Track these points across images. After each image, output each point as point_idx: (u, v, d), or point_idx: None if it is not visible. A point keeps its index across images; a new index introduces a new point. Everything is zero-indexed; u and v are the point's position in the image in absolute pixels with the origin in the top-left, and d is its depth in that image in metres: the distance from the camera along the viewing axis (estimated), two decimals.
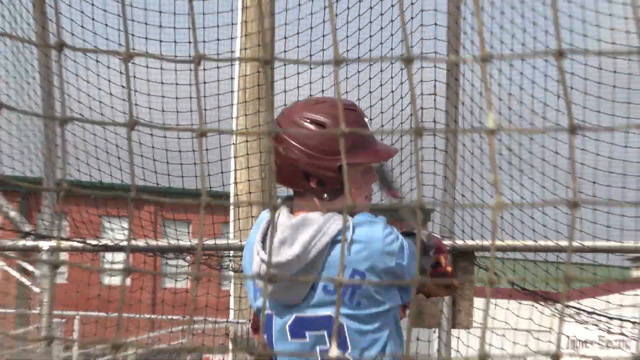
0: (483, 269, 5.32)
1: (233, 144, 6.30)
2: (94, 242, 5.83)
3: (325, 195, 2.15)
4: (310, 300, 2.14)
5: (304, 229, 2.08)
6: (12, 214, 6.28)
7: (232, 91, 6.42)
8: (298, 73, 5.91)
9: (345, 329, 2.12)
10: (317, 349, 2.15)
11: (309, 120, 2.15)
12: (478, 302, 5.26)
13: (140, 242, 5.84)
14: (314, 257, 2.07)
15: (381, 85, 5.84)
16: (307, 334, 2.15)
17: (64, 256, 12.48)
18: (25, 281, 7.86)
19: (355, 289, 2.13)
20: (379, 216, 2.17)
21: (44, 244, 5.71)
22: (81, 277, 8.58)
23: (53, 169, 6.16)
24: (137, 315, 9.16)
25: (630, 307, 6.79)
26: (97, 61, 6.12)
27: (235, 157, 6.37)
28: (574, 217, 0.74)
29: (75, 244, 6.13)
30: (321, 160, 2.11)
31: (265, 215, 2.18)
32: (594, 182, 5.38)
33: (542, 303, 5.55)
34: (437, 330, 5.43)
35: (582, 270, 6.26)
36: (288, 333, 2.16)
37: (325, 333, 2.14)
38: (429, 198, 5.30)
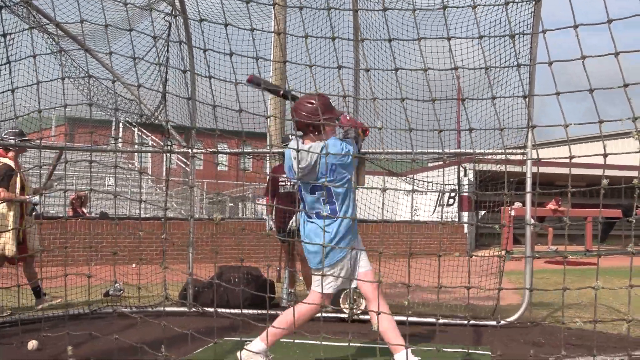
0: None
1: None
2: None
3: (316, 133, 4.37)
4: (316, 177, 4.32)
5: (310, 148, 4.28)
6: None
7: None
8: None
9: (331, 189, 4.31)
10: (321, 199, 4.39)
11: (306, 102, 4.41)
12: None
13: None
14: (314, 160, 4.29)
15: None
16: (317, 192, 4.40)
17: None
18: None
19: (333, 168, 4.27)
20: (337, 139, 4.37)
21: None
22: None
23: None
24: None
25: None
26: None
27: None
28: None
29: None
30: (311, 119, 4.31)
31: (294, 143, 4.30)
32: None
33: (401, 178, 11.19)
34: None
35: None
36: (309, 192, 4.41)
37: (324, 192, 4.34)
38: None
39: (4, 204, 6.92)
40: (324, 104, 4.36)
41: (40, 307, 7.13)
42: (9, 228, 6.81)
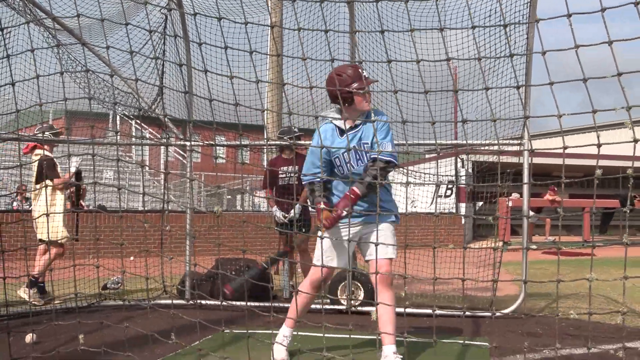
0: None
1: None
2: None
3: (346, 105, 4.26)
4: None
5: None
6: None
7: None
8: None
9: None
10: None
11: (336, 74, 4.26)
12: None
13: None
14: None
15: None
16: None
17: None
18: None
19: None
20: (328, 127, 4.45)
21: None
22: None
23: None
24: None
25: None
26: None
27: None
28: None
29: None
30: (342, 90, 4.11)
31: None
32: None
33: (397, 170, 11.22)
34: None
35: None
36: None
37: None
38: None
39: (51, 192, 7.19)
40: (353, 74, 4.28)
41: (37, 302, 7.14)
42: (56, 214, 7.05)
